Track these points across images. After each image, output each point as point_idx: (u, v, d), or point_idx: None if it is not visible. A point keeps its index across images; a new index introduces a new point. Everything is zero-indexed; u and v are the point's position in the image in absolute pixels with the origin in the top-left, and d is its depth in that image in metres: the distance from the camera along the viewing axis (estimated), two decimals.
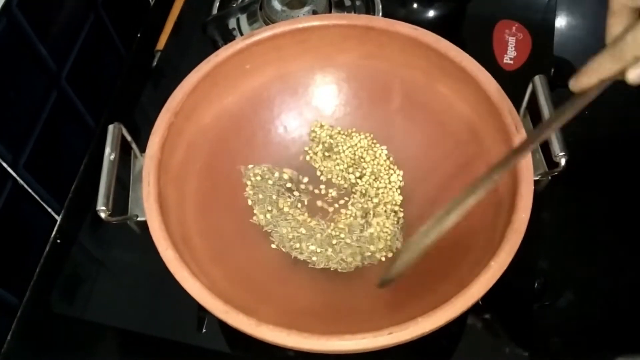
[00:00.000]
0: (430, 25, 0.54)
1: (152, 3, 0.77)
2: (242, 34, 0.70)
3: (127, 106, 0.69)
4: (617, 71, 0.35)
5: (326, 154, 0.58)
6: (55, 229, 0.61)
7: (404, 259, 0.47)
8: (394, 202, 0.56)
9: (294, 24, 0.55)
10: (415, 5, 0.74)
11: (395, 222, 0.55)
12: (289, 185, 0.57)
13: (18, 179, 0.55)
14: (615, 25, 0.36)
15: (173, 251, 0.43)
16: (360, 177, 0.57)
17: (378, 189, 0.57)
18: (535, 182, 0.45)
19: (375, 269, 0.53)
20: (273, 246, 0.54)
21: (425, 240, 0.44)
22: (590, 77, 0.36)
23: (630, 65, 0.34)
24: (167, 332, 0.54)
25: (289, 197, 0.56)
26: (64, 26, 0.59)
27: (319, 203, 0.57)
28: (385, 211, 0.55)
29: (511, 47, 0.69)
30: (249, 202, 0.56)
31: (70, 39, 0.61)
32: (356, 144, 0.58)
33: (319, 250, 0.53)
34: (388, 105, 0.58)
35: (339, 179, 0.58)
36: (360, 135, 0.59)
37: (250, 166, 0.57)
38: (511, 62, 0.68)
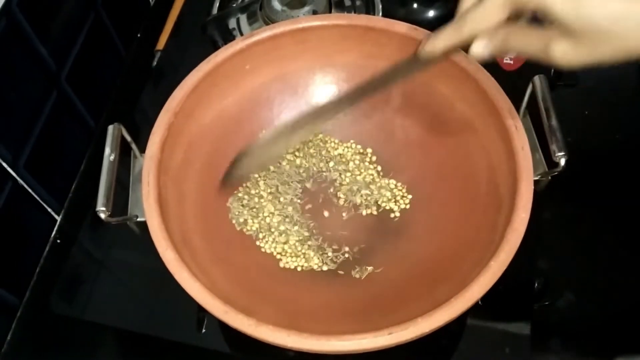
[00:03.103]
0: (430, 25, 0.54)
1: (152, 3, 0.77)
2: (242, 34, 0.70)
3: (127, 106, 0.69)
4: (459, 42, 0.38)
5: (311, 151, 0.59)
6: (55, 229, 0.61)
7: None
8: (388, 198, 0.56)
9: (294, 24, 0.55)
10: (415, 5, 0.74)
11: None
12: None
13: (18, 179, 0.55)
14: (466, 0, 0.38)
15: (173, 251, 0.43)
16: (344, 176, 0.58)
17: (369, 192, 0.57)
18: (535, 182, 0.46)
19: (375, 270, 0.53)
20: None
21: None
22: (436, 44, 0.39)
23: (469, 38, 0.37)
24: (167, 333, 0.54)
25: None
26: (63, 26, 0.59)
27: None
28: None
29: None
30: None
31: (70, 39, 0.61)
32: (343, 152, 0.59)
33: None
34: (388, 106, 0.58)
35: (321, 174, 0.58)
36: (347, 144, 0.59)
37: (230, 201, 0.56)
38: (511, 62, 0.68)
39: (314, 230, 0.55)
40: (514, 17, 0.35)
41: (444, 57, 0.40)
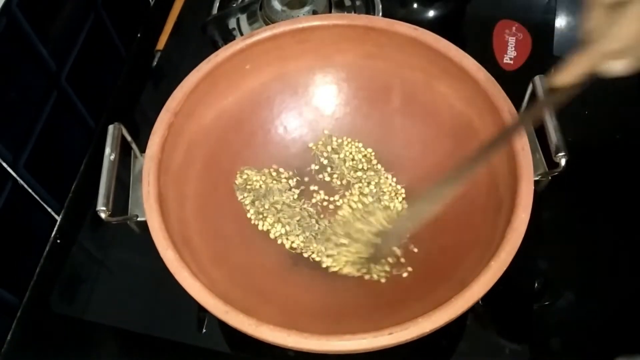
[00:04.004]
0: (430, 25, 0.54)
1: (152, 3, 0.77)
2: (242, 34, 0.70)
3: (127, 106, 0.69)
4: (596, 65, 0.36)
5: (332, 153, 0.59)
6: (55, 229, 0.61)
7: (401, 228, 0.49)
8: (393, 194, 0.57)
9: (294, 24, 0.55)
10: (415, 5, 0.75)
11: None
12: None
13: (18, 179, 0.55)
14: (591, 19, 0.37)
15: (173, 251, 0.43)
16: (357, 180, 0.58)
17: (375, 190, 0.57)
18: (536, 182, 0.46)
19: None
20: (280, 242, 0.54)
21: (421, 211, 0.46)
22: (572, 72, 0.37)
23: (609, 58, 0.35)
24: (167, 332, 0.54)
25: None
26: (64, 26, 0.59)
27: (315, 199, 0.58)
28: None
29: (511, 47, 0.69)
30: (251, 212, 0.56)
31: (70, 39, 0.61)
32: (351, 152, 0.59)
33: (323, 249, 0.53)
34: (388, 105, 0.58)
35: (338, 178, 0.58)
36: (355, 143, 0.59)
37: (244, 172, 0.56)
38: (511, 62, 0.68)
39: (318, 227, 0.55)
40: None
41: (579, 84, 0.37)
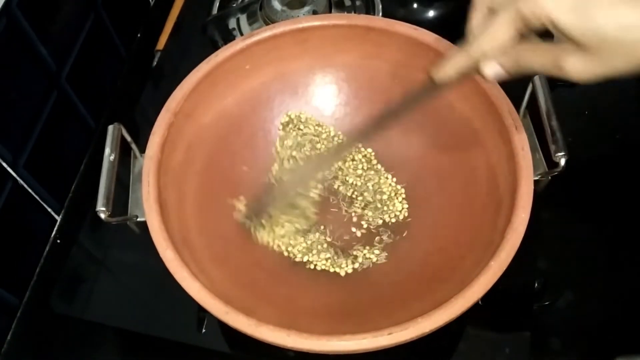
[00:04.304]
0: (430, 25, 0.54)
1: (152, 3, 0.77)
2: (242, 34, 0.70)
3: (127, 106, 0.69)
4: (470, 65, 0.37)
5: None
6: (55, 229, 0.61)
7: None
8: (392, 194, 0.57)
9: (294, 24, 0.55)
10: (415, 5, 0.75)
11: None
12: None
13: (18, 179, 0.55)
14: (474, 19, 0.38)
15: (173, 251, 0.43)
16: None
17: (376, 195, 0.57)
18: (535, 182, 0.46)
19: (375, 269, 0.53)
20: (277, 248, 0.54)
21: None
22: (447, 69, 0.39)
23: (479, 60, 0.36)
24: (167, 333, 0.54)
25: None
26: (64, 26, 0.59)
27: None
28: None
29: None
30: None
31: (70, 39, 0.61)
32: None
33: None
34: (388, 105, 0.58)
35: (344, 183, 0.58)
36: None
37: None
38: None
39: (319, 227, 0.55)
40: (524, 34, 0.35)
41: (458, 80, 0.39)
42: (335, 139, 0.59)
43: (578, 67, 0.33)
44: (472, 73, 0.38)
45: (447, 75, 0.39)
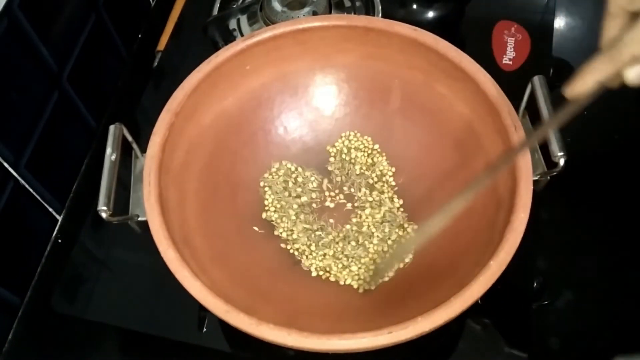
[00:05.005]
0: (429, 26, 0.54)
1: (152, 4, 0.77)
2: (242, 35, 0.70)
3: (128, 107, 0.69)
4: (614, 72, 0.35)
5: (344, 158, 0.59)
6: (56, 228, 0.61)
7: (397, 258, 0.48)
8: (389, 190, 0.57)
9: (294, 24, 0.55)
10: (414, 6, 0.75)
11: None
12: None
13: (19, 179, 0.55)
14: (611, 27, 0.37)
15: (174, 251, 0.43)
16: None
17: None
18: (535, 182, 0.46)
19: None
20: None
21: (420, 237, 0.44)
22: (587, 80, 0.36)
23: (627, 65, 0.35)
24: (168, 332, 0.54)
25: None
26: (65, 27, 0.59)
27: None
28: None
29: (510, 48, 0.69)
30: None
31: (71, 40, 0.61)
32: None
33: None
34: (388, 106, 0.59)
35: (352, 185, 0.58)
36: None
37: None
38: (510, 62, 0.68)
39: (321, 225, 0.56)
40: None
41: (593, 94, 0.37)
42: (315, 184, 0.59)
43: None
44: (612, 82, 0.36)
45: (586, 89, 0.36)
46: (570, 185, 0.55)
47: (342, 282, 0.52)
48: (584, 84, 0.36)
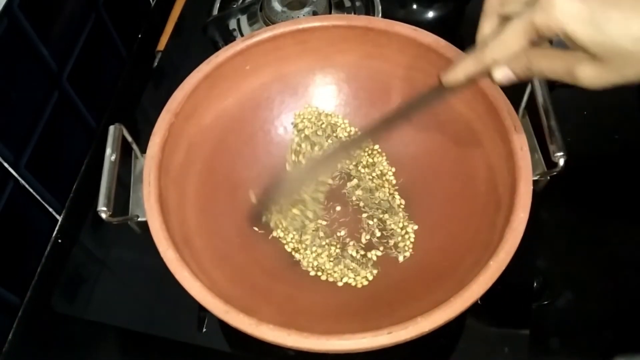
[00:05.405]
0: (429, 26, 0.54)
1: (152, 4, 0.77)
2: (242, 35, 0.70)
3: (127, 107, 0.69)
4: (480, 71, 0.38)
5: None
6: (56, 229, 0.61)
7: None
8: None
9: (294, 24, 0.55)
10: (414, 6, 0.75)
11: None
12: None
13: (19, 179, 0.55)
14: (485, 26, 0.39)
15: (173, 251, 0.43)
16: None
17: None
18: (534, 182, 0.46)
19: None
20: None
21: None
22: (458, 73, 0.40)
23: (490, 66, 0.37)
24: (168, 332, 0.54)
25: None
26: (65, 27, 0.59)
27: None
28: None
29: None
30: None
31: (71, 40, 0.61)
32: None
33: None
34: (387, 106, 0.58)
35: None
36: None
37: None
38: None
39: (323, 224, 0.56)
40: (536, 41, 0.35)
41: (467, 84, 0.40)
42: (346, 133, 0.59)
43: (590, 75, 0.34)
44: (482, 77, 0.39)
45: (457, 80, 0.40)
46: (570, 185, 0.55)
47: (339, 283, 0.52)
48: (456, 75, 0.40)
